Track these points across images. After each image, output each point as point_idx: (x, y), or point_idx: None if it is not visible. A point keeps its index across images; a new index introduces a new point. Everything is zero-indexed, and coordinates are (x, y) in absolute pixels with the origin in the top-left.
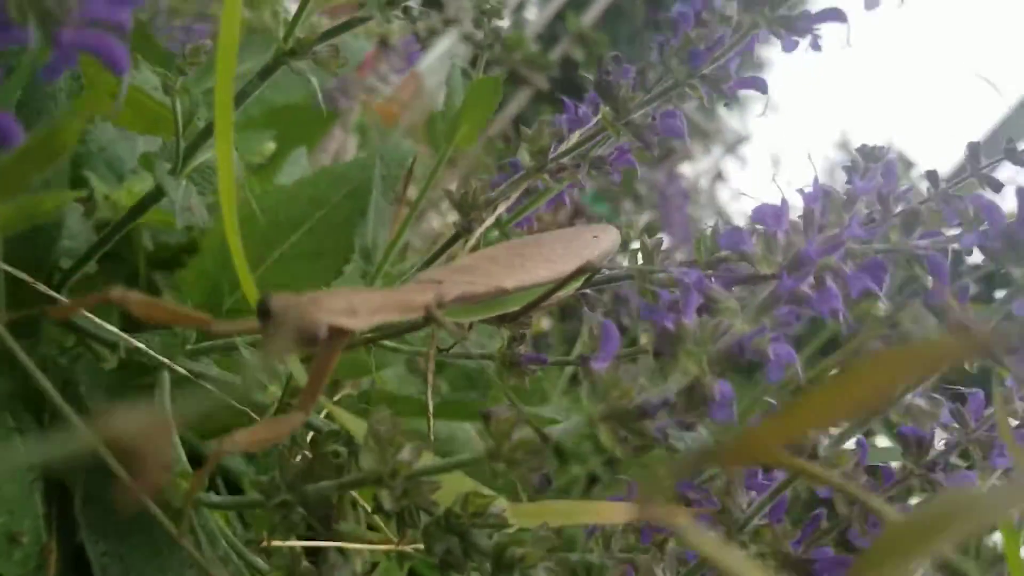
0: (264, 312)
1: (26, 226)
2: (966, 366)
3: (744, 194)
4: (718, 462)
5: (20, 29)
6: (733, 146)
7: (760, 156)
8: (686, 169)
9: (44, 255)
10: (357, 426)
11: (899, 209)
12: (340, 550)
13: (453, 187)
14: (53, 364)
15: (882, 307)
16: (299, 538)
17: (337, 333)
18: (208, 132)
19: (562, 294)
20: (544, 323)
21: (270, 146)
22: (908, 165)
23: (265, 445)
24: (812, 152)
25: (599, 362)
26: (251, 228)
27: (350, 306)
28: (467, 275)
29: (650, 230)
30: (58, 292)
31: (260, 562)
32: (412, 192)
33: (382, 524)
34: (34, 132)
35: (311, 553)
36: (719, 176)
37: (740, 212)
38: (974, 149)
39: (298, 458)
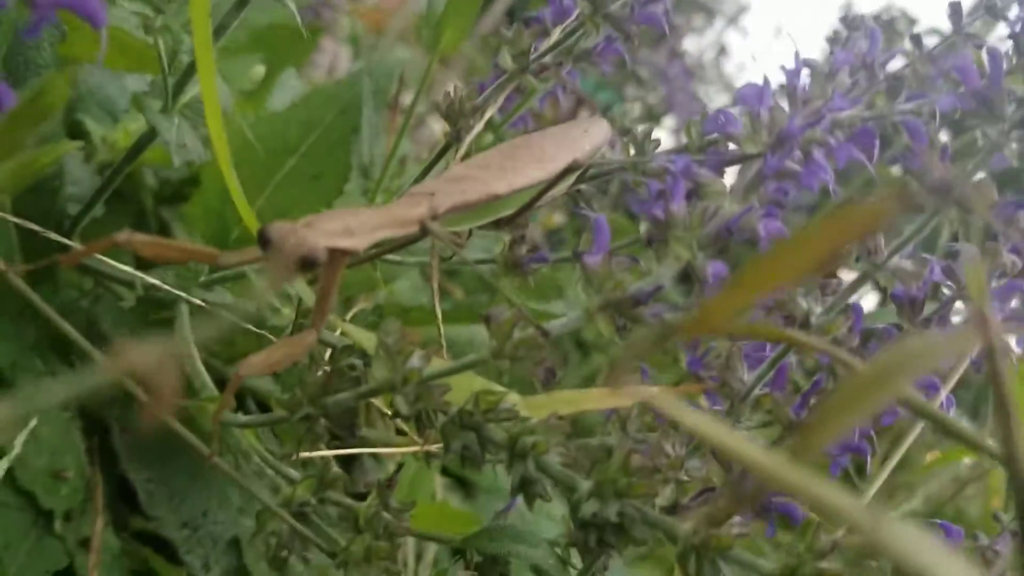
0: (264, 241)
1: (30, 182)
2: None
3: (748, 65)
4: (679, 334)
5: None
6: (734, 18)
7: (764, 26)
8: (690, 44)
9: (50, 204)
10: (367, 339)
11: (883, 75)
12: (372, 455)
13: (452, 89)
14: (75, 308)
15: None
16: (328, 447)
17: (337, 254)
18: (193, 67)
19: (555, 192)
20: (557, 218)
21: (259, 70)
22: (911, 23)
23: (281, 365)
24: (815, 22)
25: (592, 256)
26: (248, 157)
27: (347, 227)
28: (459, 184)
29: (654, 113)
30: (68, 238)
31: (293, 473)
32: (407, 100)
33: (407, 429)
34: (24, 93)
35: (344, 461)
36: (722, 50)
37: None
38: (955, 8)
39: (318, 374)
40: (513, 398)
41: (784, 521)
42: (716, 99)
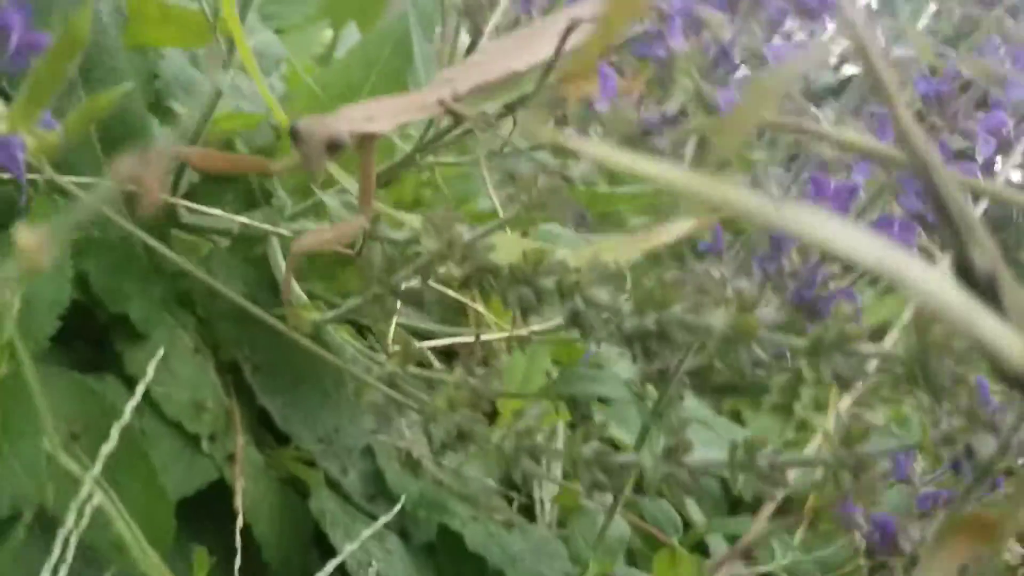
0: (295, 135)
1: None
2: None
3: None
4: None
5: None
6: None
7: None
8: None
9: None
10: (415, 219)
11: None
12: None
13: None
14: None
15: None
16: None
17: (365, 138)
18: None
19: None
20: None
21: (327, 34)
22: None
23: (332, 244)
24: None
25: (601, 103)
26: (316, 106)
27: (369, 114)
28: (478, 67)
29: None
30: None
31: (382, 355)
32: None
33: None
34: (53, 33)
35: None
36: None
37: None
38: None
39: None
40: (560, 252)
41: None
42: None
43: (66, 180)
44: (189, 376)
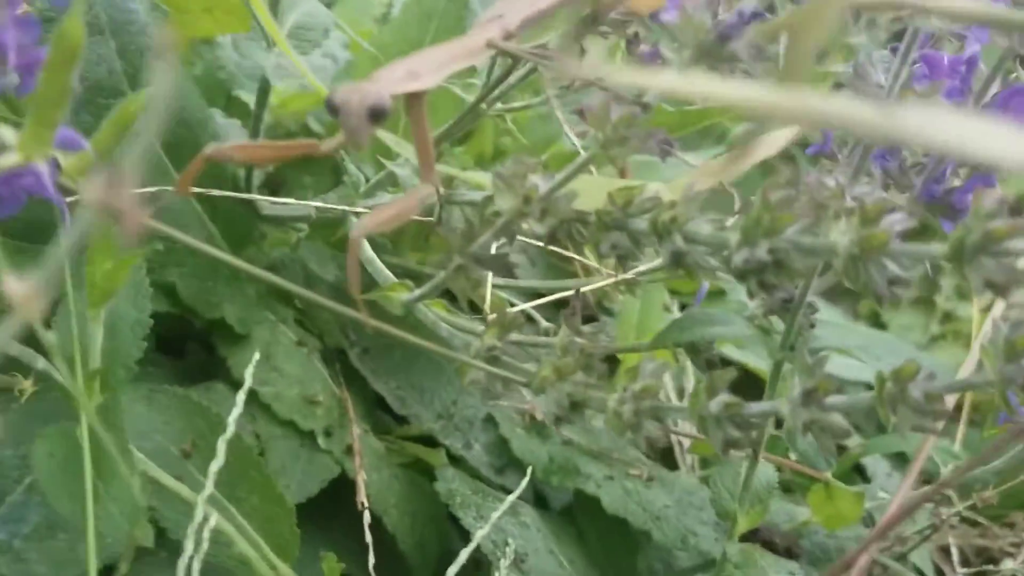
0: (332, 108)
1: (118, 138)
2: None
3: None
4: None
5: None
6: None
7: None
8: None
9: (218, 168)
10: (483, 178)
11: None
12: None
13: None
14: (289, 260)
15: None
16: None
17: (411, 98)
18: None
19: None
20: None
21: None
22: None
23: (395, 222)
24: None
25: (669, 14)
26: (384, 60)
27: (411, 70)
28: None
29: None
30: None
31: (478, 327)
32: None
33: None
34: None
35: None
36: None
37: None
38: None
39: (457, 226)
40: (652, 186)
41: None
42: None
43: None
44: (296, 371)
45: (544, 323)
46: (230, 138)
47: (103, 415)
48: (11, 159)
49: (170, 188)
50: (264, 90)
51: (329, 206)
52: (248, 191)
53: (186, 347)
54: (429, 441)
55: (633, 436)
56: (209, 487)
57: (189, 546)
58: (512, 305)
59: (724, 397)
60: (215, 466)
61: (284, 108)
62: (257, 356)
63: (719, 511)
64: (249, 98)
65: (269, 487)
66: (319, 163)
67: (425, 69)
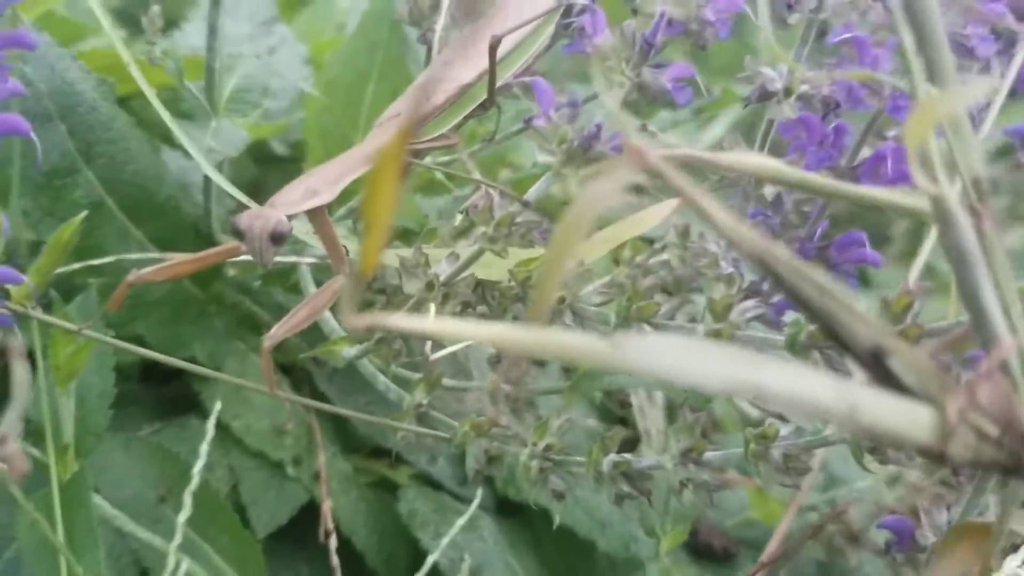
0: (237, 232)
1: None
2: None
3: None
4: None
5: None
6: None
7: None
8: None
9: (178, 217)
10: (390, 258)
11: None
12: None
13: None
14: (259, 291)
15: None
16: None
17: (314, 212)
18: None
19: (528, 57)
20: None
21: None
22: None
23: (311, 318)
24: None
25: (538, 119)
26: (336, 93)
27: (308, 189)
28: (424, 92)
29: None
30: (213, 234)
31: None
32: None
33: None
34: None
35: None
36: None
37: None
38: None
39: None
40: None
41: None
42: None
43: (53, 319)
44: (265, 402)
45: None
46: (192, 183)
47: (71, 490)
48: None
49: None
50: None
51: (280, 259)
52: (210, 235)
53: (165, 378)
54: (397, 456)
55: (540, 489)
56: (178, 538)
57: None
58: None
59: (614, 456)
60: (182, 517)
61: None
62: (219, 405)
63: (646, 529)
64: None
65: (236, 527)
66: None
67: (322, 186)
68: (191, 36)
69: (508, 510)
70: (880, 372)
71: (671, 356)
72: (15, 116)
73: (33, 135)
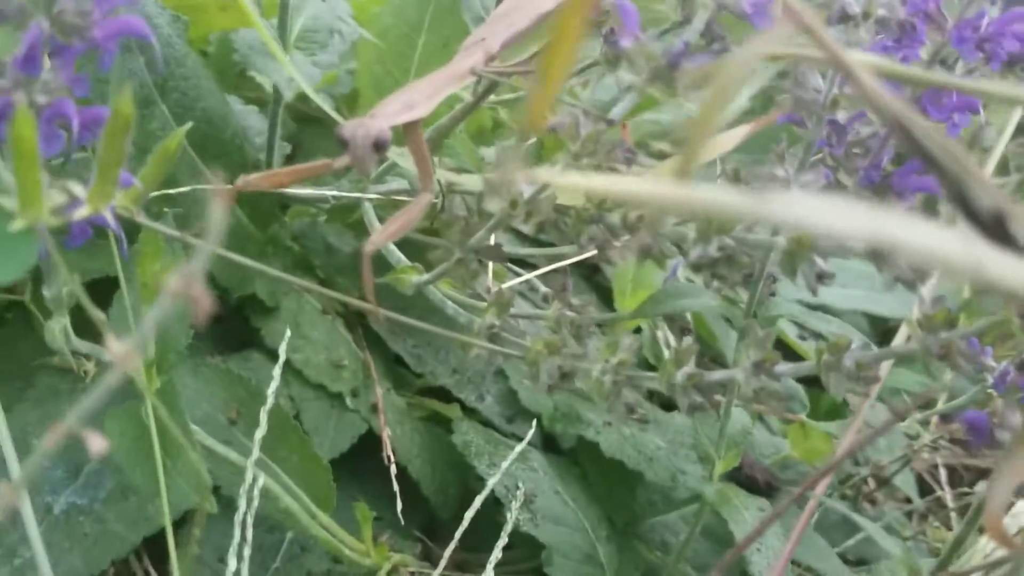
0: (341, 141)
1: (162, 172)
2: None
3: None
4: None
5: (67, 46)
6: None
7: None
8: None
9: (242, 157)
10: (473, 181)
11: None
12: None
13: None
14: (311, 232)
15: None
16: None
17: (408, 127)
18: (287, 6)
19: None
20: None
21: None
22: None
23: (404, 229)
24: None
25: (624, 39)
26: (388, 42)
27: (406, 102)
28: (506, 19)
29: None
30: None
31: (480, 303)
32: None
33: None
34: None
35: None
36: None
37: None
38: None
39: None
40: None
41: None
42: None
43: (158, 225)
44: (322, 338)
45: (543, 289)
46: (250, 127)
47: (163, 398)
48: (84, 211)
49: (202, 186)
50: (278, 99)
51: (343, 194)
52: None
53: (222, 317)
54: (445, 394)
55: (613, 401)
56: (255, 453)
57: (242, 504)
58: (517, 273)
59: (688, 369)
60: (259, 434)
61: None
62: (288, 334)
63: (700, 455)
64: (263, 79)
65: (306, 448)
66: (334, 152)
67: (418, 100)
68: None
69: (554, 449)
70: (1001, 233)
71: (816, 211)
72: (138, 19)
73: (154, 39)
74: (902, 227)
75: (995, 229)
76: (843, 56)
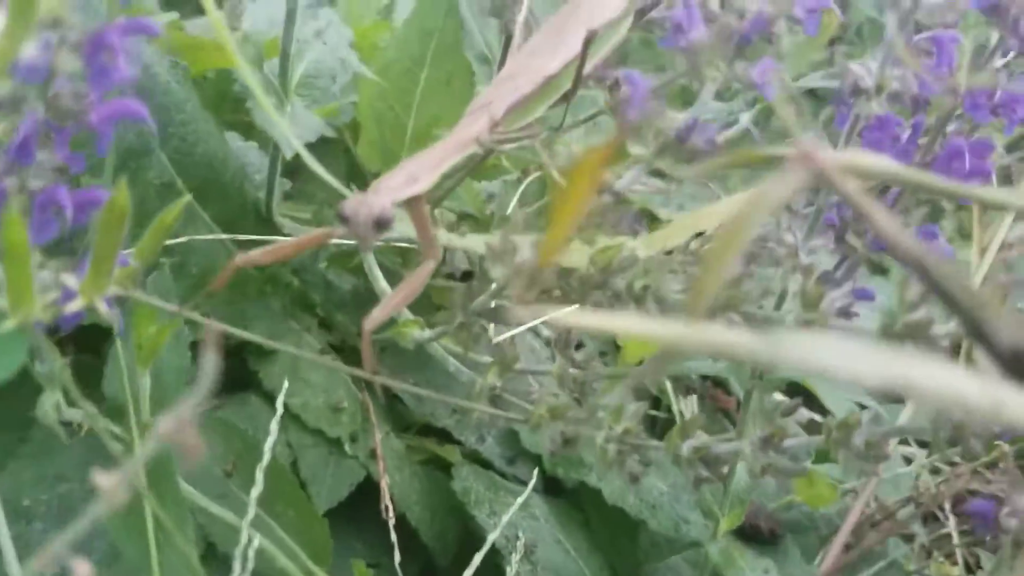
0: (343, 218)
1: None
2: None
3: None
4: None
5: (62, 132)
6: None
7: None
8: None
9: (242, 198)
10: (477, 244)
11: None
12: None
13: None
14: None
15: None
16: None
17: (411, 200)
18: (287, 54)
19: (607, 49)
20: None
21: None
22: None
23: (406, 301)
24: None
25: (632, 111)
26: (389, 76)
27: (410, 175)
28: (512, 81)
29: None
30: (271, 217)
31: (483, 359)
32: None
33: None
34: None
35: None
36: None
37: None
38: None
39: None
40: (630, 244)
41: None
42: None
43: (152, 299)
44: (321, 380)
45: (546, 332)
46: (249, 163)
47: (158, 469)
48: (77, 304)
49: (200, 236)
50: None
51: (344, 241)
52: (269, 216)
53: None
54: (445, 432)
55: (617, 470)
56: (251, 513)
57: (237, 566)
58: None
59: (694, 441)
60: (255, 492)
61: None
62: (286, 383)
63: (704, 511)
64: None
65: (302, 501)
66: (329, 193)
67: (422, 172)
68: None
69: (556, 490)
70: (1019, 371)
71: (828, 354)
72: (134, 103)
73: (149, 117)
74: (917, 368)
75: (1015, 365)
76: (864, 202)
